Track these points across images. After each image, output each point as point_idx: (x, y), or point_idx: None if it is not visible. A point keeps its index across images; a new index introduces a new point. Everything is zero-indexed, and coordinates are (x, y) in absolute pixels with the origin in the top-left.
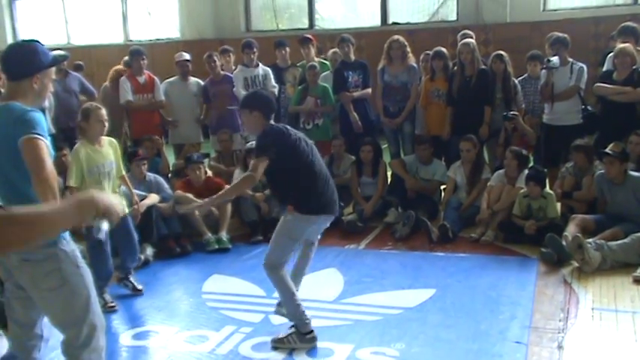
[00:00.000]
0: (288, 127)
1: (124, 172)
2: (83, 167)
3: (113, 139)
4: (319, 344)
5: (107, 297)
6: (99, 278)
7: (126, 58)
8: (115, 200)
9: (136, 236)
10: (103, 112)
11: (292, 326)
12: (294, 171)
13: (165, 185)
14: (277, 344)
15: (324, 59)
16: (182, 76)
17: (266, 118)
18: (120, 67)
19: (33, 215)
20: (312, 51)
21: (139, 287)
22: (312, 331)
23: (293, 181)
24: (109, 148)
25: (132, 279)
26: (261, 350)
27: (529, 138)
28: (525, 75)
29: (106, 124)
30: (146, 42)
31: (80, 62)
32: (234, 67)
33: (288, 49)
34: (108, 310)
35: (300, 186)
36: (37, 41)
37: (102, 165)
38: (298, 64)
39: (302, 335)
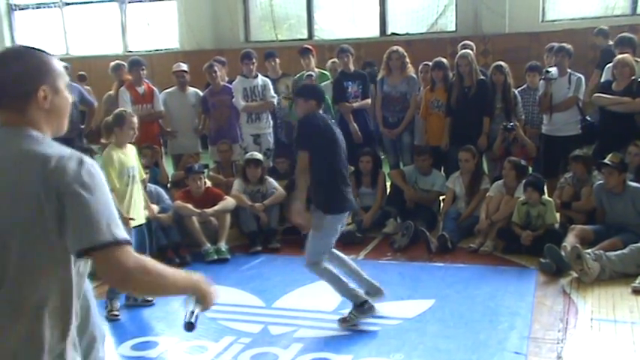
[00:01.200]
0: (329, 119)
1: (144, 176)
2: (116, 170)
3: (132, 145)
4: (318, 355)
5: (115, 304)
6: None
7: (113, 63)
8: (212, 291)
9: (149, 246)
10: (136, 119)
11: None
12: (328, 166)
13: (165, 196)
14: (343, 324)
15: (323, 69)
16: (180, 86)
17: (318, 107)
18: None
19: (166, 272)
20: (313, 61)
21: (149, 298)
22: (366, 300)
23: (326, 177)
24: (132, 153)
25: None
26: None
27: (529, 149)
28: (524, 85)
29: (137, 132)
30: (145, 53)
31: (83, 73)
32: (227, 79)
33: (278, 60)
34: (111, 318)
35: (332, 183)
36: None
37: (131, 168)
38: (297, 75)
39: (360, 307)
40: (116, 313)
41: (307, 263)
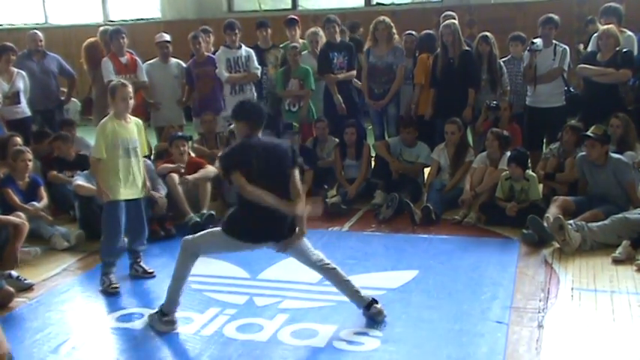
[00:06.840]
0: (259, 142)
1: (146, 152)
2: (108, 140)
3: (139, 120)
4: (303, 325)
5: (112, 277)
6: (110, 254)
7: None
8: None
9: (145, 219)
10: (129, 89)
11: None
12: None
13: (152, 168)
14: (150, 319)
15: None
16: (162, 57)
17: (251, 130)
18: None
19: None
20: (298, 32)
21: (150, 270)
22: (172, 316)
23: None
24: (134, 127)
25: (142, 263)
26: (246, 331)
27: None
28: (509, 56)
29: (131, 102)
30: (126, 22)
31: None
32: (213, 49)
33: (269, 29)
34: (111, 291)
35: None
36: None
37: (128, 140)
38: (281, 46)
39: (162, 316)
40: (115, 285)
41: (183, 243)
